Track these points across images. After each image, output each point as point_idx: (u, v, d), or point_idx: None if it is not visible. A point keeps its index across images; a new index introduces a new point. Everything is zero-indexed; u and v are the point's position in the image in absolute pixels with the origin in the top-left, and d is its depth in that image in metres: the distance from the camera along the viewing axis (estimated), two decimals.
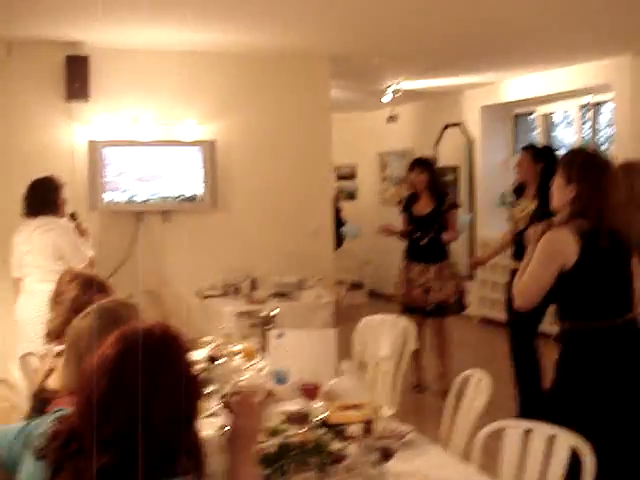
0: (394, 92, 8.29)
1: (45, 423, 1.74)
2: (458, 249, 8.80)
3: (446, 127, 9.20)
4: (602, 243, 2.89)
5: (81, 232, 4.92)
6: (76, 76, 5.66)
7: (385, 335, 4.19)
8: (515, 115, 8.79)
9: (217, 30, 5.60)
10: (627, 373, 2.88)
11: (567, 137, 8.22)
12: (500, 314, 6.82)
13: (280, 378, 3.24)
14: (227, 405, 2.90)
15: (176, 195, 6.03)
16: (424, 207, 5.91)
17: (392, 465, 2.27)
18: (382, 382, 4.11)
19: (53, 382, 2.39)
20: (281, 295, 5.87)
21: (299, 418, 2.68)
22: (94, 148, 5.73)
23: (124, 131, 5.92)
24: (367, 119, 10.55)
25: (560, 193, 3.01)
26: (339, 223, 7.90)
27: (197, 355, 3.66)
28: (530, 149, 5.46)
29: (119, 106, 5.91)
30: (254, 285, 6.11)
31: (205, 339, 3.72)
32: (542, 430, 2.36)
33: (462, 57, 7.02)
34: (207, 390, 3.15)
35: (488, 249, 6.45)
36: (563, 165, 3.04)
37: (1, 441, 1.81)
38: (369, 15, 5.27)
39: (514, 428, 2.42)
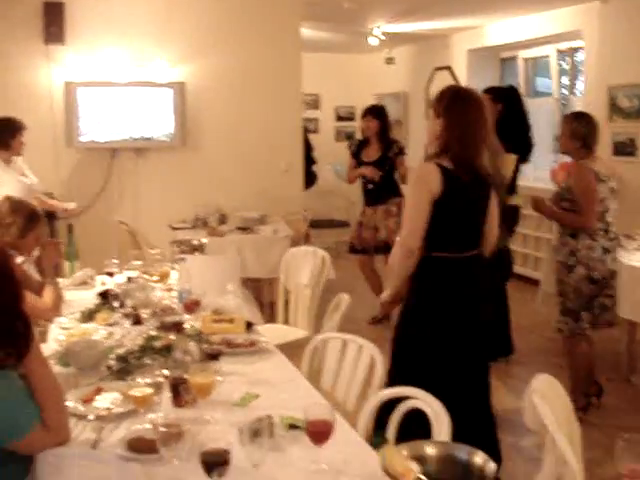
0: (379, 35, 8.52)
1: None
2: None
3: (436, 70, 9.38)
4: (463, 177, 3.04)
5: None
6: (53, 21, 6.06)
7: (306, 265, 4.60)
8: (501, 59, 8.93)
9: None
10: (466, 306, 3.15)
11: (547, 82, 8.35)
12: None
13: (183, 296, 3.68)
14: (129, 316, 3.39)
15: (148, 134, 6.43)
16: (373, 153, 6.24)
17: (223, 364, 2.71)
18: (301, 307, 4.55)
19: None
20: (244, 229, 6.31)
21: (172, 326, 3.11)
22: (70, 88, 6.15)
23: (99, 73, 6.31)
24: (365, 61, 10.76)
25: (431, 127, 3.16)
26: (310, 162, 8.21)
27: (125, 275, 4.12)
28: (489, 90, 5.68)
29: (94, 49, 6.29)
30: (223, 220, 6.56)
31: (134, 262, 4.16)
32: (355, 340, 2.75)
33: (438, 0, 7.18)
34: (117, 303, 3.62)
35: None
36: (435, 100, 3.19)
37: None
38: None
39: (335, 339, 2.82)
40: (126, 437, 2.14)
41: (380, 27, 8.40)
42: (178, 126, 6.43)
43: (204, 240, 4.43)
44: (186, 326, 3.12)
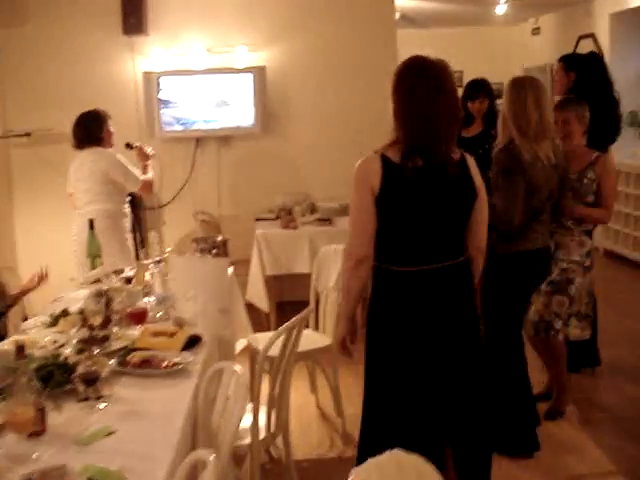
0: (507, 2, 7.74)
1: None
2: None
3: (579, 39, 8.36)
4: (410, 173, 2.50)
5: (144, 156, 5.19)
6: (132, 11, 6.04)
7: (335, 265, 4.16)
8: None
9: None
10: (424, 321, 2.62)
11: None
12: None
13: (159, 300, 3.42)
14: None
15: (230, 121, 6.21)
16: (475, 129, 5.60)
17: (117, 387, 2.51)
18: (328, 311, 4.14)
19: None
20: (324, 220, 5.94)
21: (96, 341, 2.86)
22: (149, 78, 6.09)
23: (180, 61, 6.19)
24: (511, 33, 9.89)
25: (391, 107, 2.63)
26: None
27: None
28: (563, 57, 4.93)
29: (174, 38, 6.18)
30: (311, 209, 6.24)
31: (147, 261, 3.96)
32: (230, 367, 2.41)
33: None
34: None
35: None
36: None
37: None
38: None
39: (228, 369, 2.45)
40: None
41: None
42: (259, 112, 6.17)
43: (221, 238, 4.15)
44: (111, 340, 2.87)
